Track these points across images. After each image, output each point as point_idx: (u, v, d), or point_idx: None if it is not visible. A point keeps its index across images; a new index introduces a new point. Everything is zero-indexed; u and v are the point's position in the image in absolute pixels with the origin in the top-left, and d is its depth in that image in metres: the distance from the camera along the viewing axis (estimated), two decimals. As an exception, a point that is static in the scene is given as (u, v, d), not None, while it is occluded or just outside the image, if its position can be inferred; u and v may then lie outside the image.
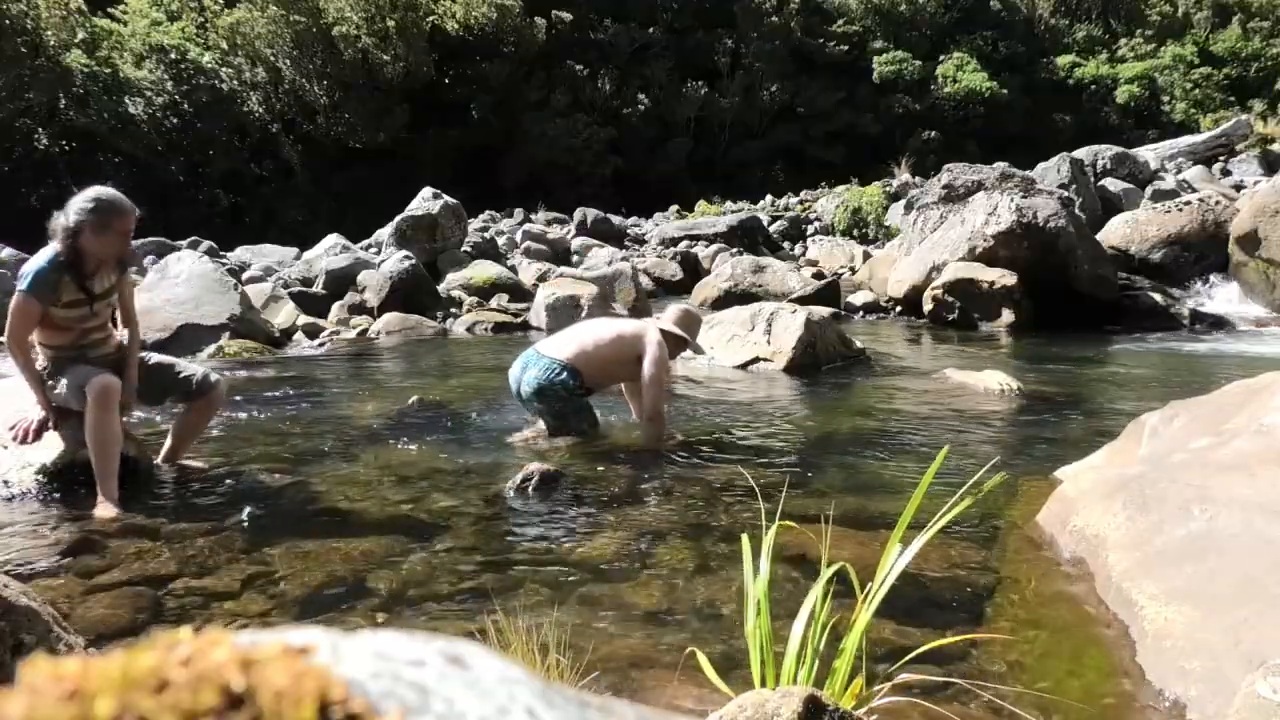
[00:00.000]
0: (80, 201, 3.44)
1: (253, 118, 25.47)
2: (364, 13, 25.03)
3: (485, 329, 9.30)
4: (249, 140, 25.49)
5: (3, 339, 4.00)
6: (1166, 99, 29.38)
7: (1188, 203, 11.09)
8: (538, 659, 1.86)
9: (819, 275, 12.22)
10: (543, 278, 11.62)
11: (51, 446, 3.65)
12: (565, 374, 4.25)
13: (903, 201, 14.89)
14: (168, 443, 4.01)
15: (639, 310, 9.90)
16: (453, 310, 10.12)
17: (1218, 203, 10.84)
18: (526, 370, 4.32)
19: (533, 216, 20.06)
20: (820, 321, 6.85)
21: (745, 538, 1.87)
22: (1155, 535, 2.51)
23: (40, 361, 3.62)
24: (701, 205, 21.08)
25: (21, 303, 3.41)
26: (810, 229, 18.37)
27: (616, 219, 18.99)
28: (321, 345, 8.48)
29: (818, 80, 29.60)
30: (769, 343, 6.72)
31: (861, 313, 10.65)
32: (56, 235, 3.45)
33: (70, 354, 3.62)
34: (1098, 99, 29.90)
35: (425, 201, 12.22)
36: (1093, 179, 14.03)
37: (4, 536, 3.14)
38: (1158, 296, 9.67)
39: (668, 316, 4.58)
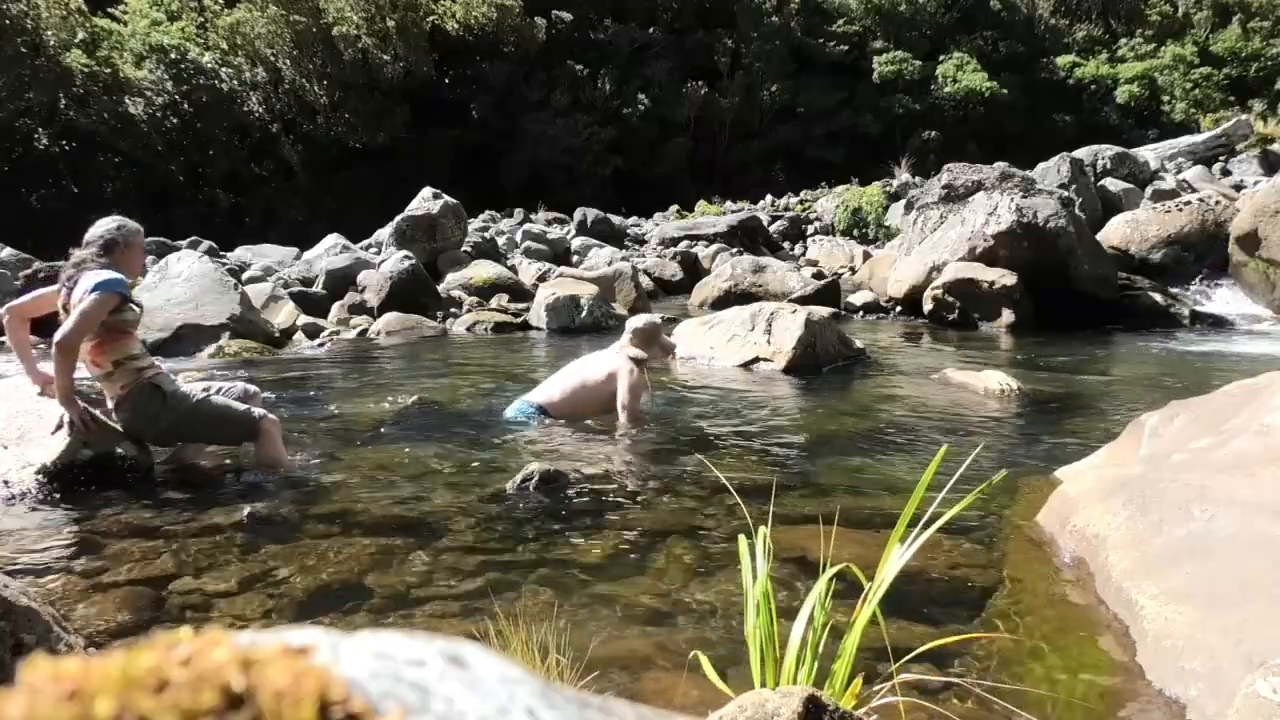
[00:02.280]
0: (108, 223, 3.82)
1: (253, 118, 25.46)
2: (364, 13, 25.02)
3: (485, 329, 9.30)
4: (249, 140, 25.48)
5: (1, 340, 4.07)
6: (1166, 99, 29.35)
7: (1188, 203, 11.09)
8: (538, 659, 1.86)
9: (819, 275, 12.23)
10: (543, 278, 11.62)
11: (52, 447, 3.65)
12: (536, 413, 4.87)
13: (903, 201, 14.90)
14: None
15: (637, 311, 9.91)
16: (453, 310, 10.12)
17: (1218, 203, 10.85)
18: (509, 415, 4.97)
19: (533, 216, 20.05)
20: (820, 321, 6.85)
21: (742, 538, 1.87)
22: (1155, 535, 2.51)
23: (118, 385, 3.71)
24: (701, 205, 21.06)
25: (104, 297, 3.56)
26: (810, 229, 18.36)
27: (616, 219, 18.96)
28: (321, 345, 8.48)
29: (818, 80, 29.57)
30: (769, 343, 6.72)
31: (861, 313, 10.65)
32: (96, 259, 3.69)
33: (145, 364, 3.78)
34: (1098, 99, 29.87)
35: (425, 201, 12.21)
36: (1093, 179, 14.03)
37: (4, 536, 3.14)
38: (1158, 296, 9.67)
39: (628, 341, 4.97)
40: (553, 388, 4.90)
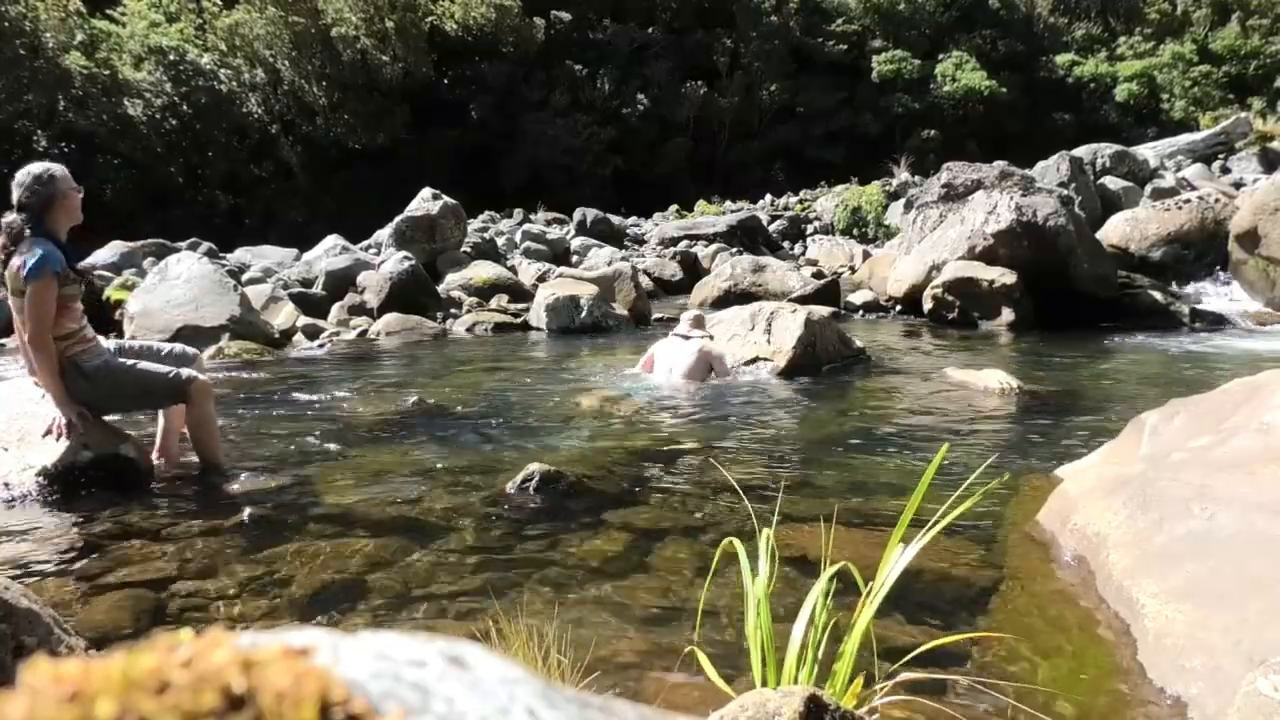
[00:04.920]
0: (26, 185, 3.50)
1: (252, 119, 25.45)
2: (363, 13, 25.02)
3: (485, 329, 9.30)
4: (248, 141, 25.47)
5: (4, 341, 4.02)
6: (1166, 97, 29.36)
7: (1187, 201, 11.09)
8: (538, 659, 1.86)
9: (819, 275, 12.23)
10: (542, 278, 11.62)
11: (52, 449, 3.65)
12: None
13: (902, 200, 14.90)
14: (158, 440, 4.04)
15: (637, 311, 9.91)
16: (452, 311, 10.12)
17: (1217, 200, 10.85)
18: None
19: (532, 217, 20.04)
20: (820, 321, 6.85)
21: (736, 539, 1.87)
22: (1156, 534, 2.51)
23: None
24: (701, 205, 21.06)
25: (44, 285, 3.41)
26: (810, 228, 18.37)
27: (616, 219, 18.96)
28: (321, 346, 8.48)
29: (817, 79, 29.57)
30: (769, 342, 6.71)
31: (861, 312, 10.65)
32: (28, 223, 3.45)
33: (71, 340, 3.65)
34: (1097, 97, 29.88)
35: (425, 202, 12.21)
36: (1092, 177, 14.04)
37: (5, 539, 3.14)
38: (1157, 294, 9.67)
39: (691, 327, 6.39)
40: (677, 374, 6.10)
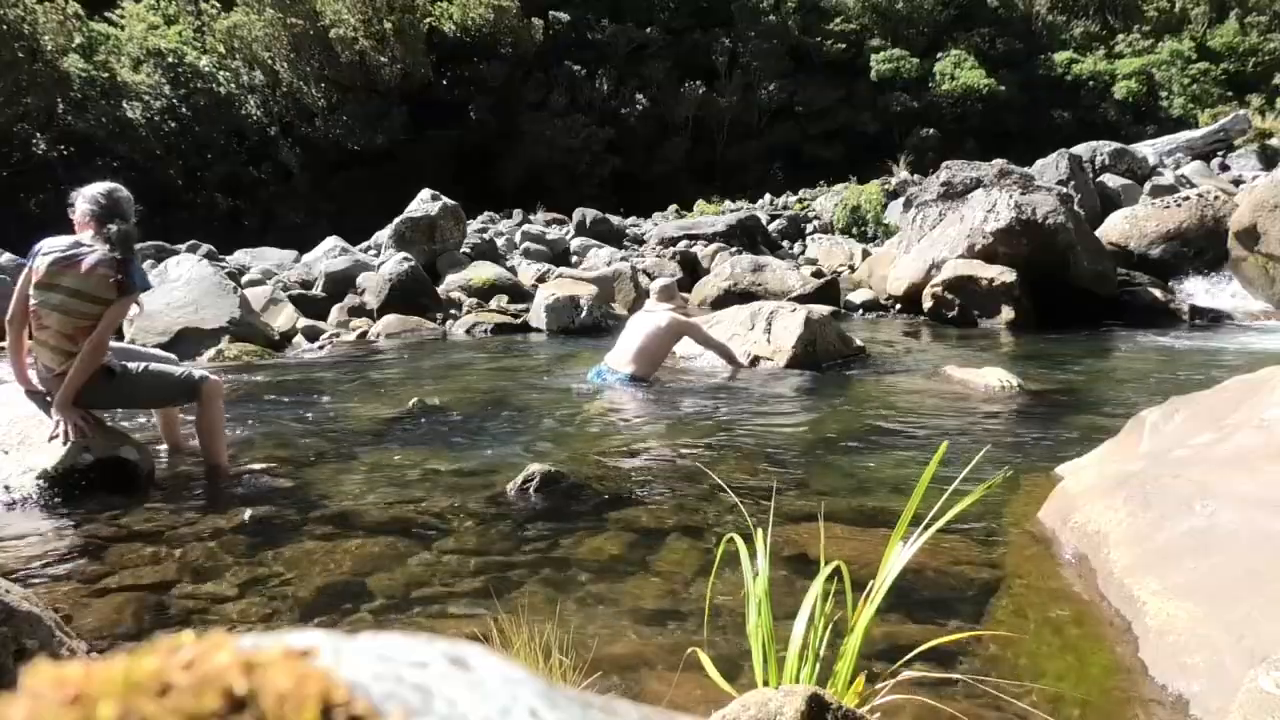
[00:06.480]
0: (122, 199, 3.68)
1: (251, 121, 25.44)
2: (361, 15, 25.00)
3: (485, 330, 9.30)
4: (247, 143, 25.45)
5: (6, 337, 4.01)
6: (1164, 94, 29.36)
7: (1186, 198, 11.09)
8: (540, 659, 1.86)
9: (818, 274, 12.23)
10: (542, 278, 11.61)
11: (53, 451, 3.64)
12: (625, 377, 5.87)
13: (901, 199, 14.89)
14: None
15: (636, 311, 9.91)
16: (452, 312, 10.12)
17: (1216, 198, 10.84)
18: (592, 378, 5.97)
19: (531, 217, 20.03)
20: (820, 320, 6.85)
21: (738, 538, 1.87)
22: (1157, 531, 2.51)
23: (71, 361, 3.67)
24: (700, 205, 21.05)
25: (134, 298, 3.63)
26: (809, 227, 18.36)
27: (615, 219, 18.94)
28: (321, 348, 8.48)
29: (815, 79, 29.56)
30: (769, 341, 6.71)
31: (861, 311, 10.65)
32: (129, 235, 3.61)
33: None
34: (1095, 95, 29.87)
35: (424, 203, 12.20)
36: (1091, 175, 14.04)
37: (5, 541, 3.14)
38: (1157, 292, 9.68)
39: (659, 300, 6.20)
40: (627, 352, 5.87)
